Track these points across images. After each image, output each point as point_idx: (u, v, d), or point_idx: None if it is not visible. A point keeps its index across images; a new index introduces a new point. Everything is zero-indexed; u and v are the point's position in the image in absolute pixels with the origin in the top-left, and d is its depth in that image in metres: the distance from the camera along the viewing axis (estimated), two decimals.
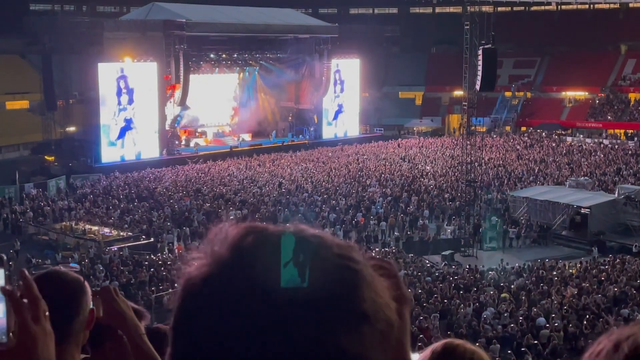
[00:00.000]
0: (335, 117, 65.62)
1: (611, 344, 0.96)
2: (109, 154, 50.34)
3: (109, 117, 50.54)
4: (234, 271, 0.94)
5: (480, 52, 38.63)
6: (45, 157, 52.13)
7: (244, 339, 0.90)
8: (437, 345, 1.87)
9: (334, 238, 1.01)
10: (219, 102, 63.30)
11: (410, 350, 1.18)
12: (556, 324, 20.02)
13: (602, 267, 27.23)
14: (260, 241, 0.97)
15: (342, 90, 65.64)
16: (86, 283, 2.16)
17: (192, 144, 57.56)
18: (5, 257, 1.40)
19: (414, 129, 72.46)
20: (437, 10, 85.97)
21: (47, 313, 1.45)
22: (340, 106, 65.75)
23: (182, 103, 55.16)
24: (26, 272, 1.41)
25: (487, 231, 33.79)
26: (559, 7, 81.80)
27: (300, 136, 63.60)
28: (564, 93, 72.58)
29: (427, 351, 1.81)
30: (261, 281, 0.92)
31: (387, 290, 1.02)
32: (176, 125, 56.56)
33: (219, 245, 0.98)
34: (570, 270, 27.15)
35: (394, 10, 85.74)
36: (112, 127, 50.60)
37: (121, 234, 32.98)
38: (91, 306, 2.13)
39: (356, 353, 0.92)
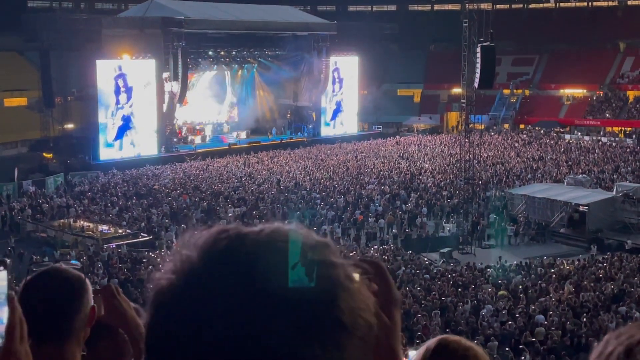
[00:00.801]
0: (334, 115, 65.60)
1: (622, 348, 0.93)
2: (107, 152, 50.33)
3: (107, 115, 50.51)
4: (202, 278, 0.90)
5: (478, 49, 38.64)
6: (44, 154, 52.10)
7: (217, 351, 0.86)
8: (431, 341, 1.87)
9: (308, 236, 0.96)
10: (215, 99, 63.37)
11: (401, 353, 1.18)
12: (554, 322, 20.05)
13: (599, 265, 27.27)
14: (232, 247, 0.92)
15: (340, 87, 65.64)
16: (87, 280, 2.17)
17: (189, 139, 57.55)
18: (8, 261, 1.43)
19: (414, 126, 72.46)
20: (436, 7, 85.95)
21: (26, 337, 1.52)
22: (338, 104, 65.76)
23: (181, 100, 55.18)
24: (13, 295, 1.46)
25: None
26: (557, 4, 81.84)
27: (299, 133, 63.62)
28: (562, 91, 72.61)
29: (422, 348, 1.82)
30: (233, 292, 0.88)
31: (365, 290, 0.98)
32: (175, 122, 56.58)
33: (188, 251, 0.94)
34: (568, 267, 27.17)
35: (393, 8, 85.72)
36: (110, 127, 50.55)
37: (119, 231, 32.98)
38: (92, 304, 2.14)
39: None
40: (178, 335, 0.89)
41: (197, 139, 58.30)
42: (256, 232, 0.94)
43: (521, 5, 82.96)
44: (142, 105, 51.61)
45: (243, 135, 60.95)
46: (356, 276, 1.03)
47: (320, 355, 0.88)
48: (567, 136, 64.05)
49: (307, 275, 0.90)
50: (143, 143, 51.91)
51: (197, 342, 0.87)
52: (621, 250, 31.02)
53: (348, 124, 66.59)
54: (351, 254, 29.61)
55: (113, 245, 30.40)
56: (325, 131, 64.70)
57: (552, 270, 26.47)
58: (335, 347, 0.90)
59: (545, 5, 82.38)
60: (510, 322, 20.02)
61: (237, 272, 0.89)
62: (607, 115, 67.67)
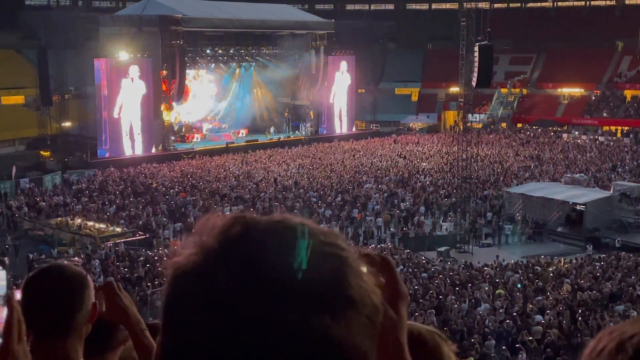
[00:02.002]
0: (332, 113, 65.55)
1: (614, 343, 0.95)
2: (104, 151, 50.39)
3: (104, 113, 50.47)
4: (222, 260, 0.94)
5: (476, 48, 38.66)
6: (41, 152, 52.05)
7: (233, 327, 0.90)
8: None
9: (318, 225, 1.01)
10: (212, 98, 63.43)
11: (406, 347, 1.19)
12: (551, 320, 20.08)
13: (596, 264, 27.31)
14: (247, 230, 0.96)
15: (338, 86, 65.58)
16: (89, 277, 2.18)
17: (187, 137, 57.58)
18: (6, 260, 1.44)
19: (412, 125, 72.47)
20: (434, 6, 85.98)
21: (25, 337, 1.52)
22: (336, 102, 65.69)
23: (179, 99, 55.16)
24: (12, 294, 1.47)
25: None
26: (555, 3, 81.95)
27: (297, 132, 63.63)
28: (560, 90, 72.67)
29: None
30: (249, 269, 0.92)
31: (372, 278, 1.02)
32: (172, 121, 56.55)
33: (207, 235, 0.97)
34: (565, 266, 27.21)
35: (390, 7, 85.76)
36: (108, 126, 50.50)
37: (117, 229, 32.96)
38: (93, 300, 2.15)
39: (342, 338, 0.92)
40: (195, 315, 0.92)
41: (196, 138, 58.23)
42: (268, 218, 0.99)
43: (519, 4, 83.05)
44: (138, 102, 51.50)
45: (241, 133, 60.92)
46: (363, 268, 1.05)
47: (330, 325, 0.91)
48: (565, 135, 64.10)
49: (318, 255, 0.95)
50: (139, 139, 51.85)
51: (214, 321, 0.91)
52: (615, 249, 31.16)
53: (345, 122, 66.53)
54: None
55: (110, 243, 30.38)
56: (324, 127, 64.67)
57: (550, 269, 26.50)
58: (345, 319, 0.93)
59: (543, 4, 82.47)
60: (507, 321, 20.05)
61: (253, 253, 0.94)
62: (605, 114, 67.75)
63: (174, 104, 55.51)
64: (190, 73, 58.40)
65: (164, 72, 52.81)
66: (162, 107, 53.71)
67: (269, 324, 0.90)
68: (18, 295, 2.10)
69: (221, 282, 0.92)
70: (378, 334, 0.99)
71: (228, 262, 0.94)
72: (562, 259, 29.07)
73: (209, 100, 63.84)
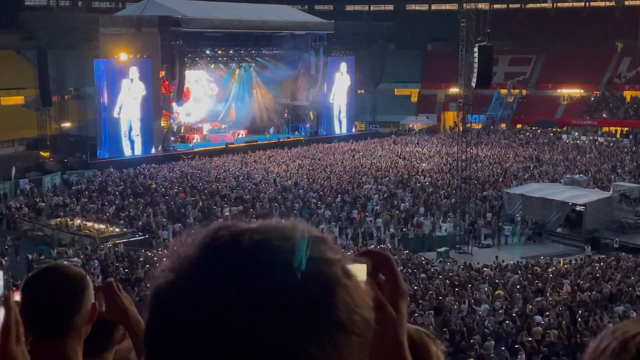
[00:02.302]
0: (331, 114, 65.56)
1: (617, 342, 0.94)
2: (104, 152, 50.38)
3: (103, 114, 50.48)
4: (200, 276, 0.90)
5: (476, 49, 38.65)
6: (41, 152, 52.04)
7: (214, 346, 0.86)
8: None
9: (305, 232, 0.95)
10: (212, 99, 63.44)
11: (406, 345, 1.19)
12: (551, 321, 20.07)
13: (596, 265, 27.31)
14: (227, 243, 0.92)
15: (337, 87, 65.58)
16: (88, 277, 2.18)
17: (187, 138, 57.58)
18: (5, 261, 1.44)
19: (411, 125, 72.50)
20: (433, 7, 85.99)
21: (23, 338, 1.51)
22: (335, 103, 65.69)
23: (178, 99, 55.14)
24: (10, 295, 1.46)
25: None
26: (554, 4, 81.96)
27: (296, 133, 63.63)
28: (559, 91, 72.70)
29: None
30: (228, 287, 0.88)
31: (363, 287, 0.98)
32: (171, 121, 56.53)
33: (186, 248, 0.94)
34: (565, 267, 27.21)
35: (390, 7, 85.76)
36: (107, 126, 50.50)
37: (116, 230, 32.95)
38: (93, 300, 2.15)
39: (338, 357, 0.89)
40: (176, 334, 0.89)
41: (195, 138, 58.21)
42: (253, 230, 0.94)
43: (518, 5, 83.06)
44: (138, 102, 51.50)
45: (241, 134, 60.90)
46: (361, 269, 1.04)
47: (317, 353, 0.88)
48: (564, 136, 64.11)
49: (303, 273, 0.90)
50: (139, 140, 51.85)
51: (195, 341, 0.87)
52: (614, 250, 31.17)
53: (345, 122, 66.53)
54: (349, 254, 29.61)
55: (109, 244, 30.37)
56: (323, 128, 64.70)
57: (549, 270, 26.50)
58: (332, 345, 0.89)
59: (543, 5, 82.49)
60: (507, 322, 20.04)
61: (234, 270, 0.89)
62: (604, 115, 67.78)
63: (173, 104, 55.44)
64: (191, 75, 58.34)
65: (163, 73, 52.76)
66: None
67: (251, 353, 0.86)
68: (16, 296, 2.10)
69: (200, 305, 0.88)
70: (373, 339, 0.97)
71: (208, 280, 0.89)
72: (562, 260, 29.07)
73: (209, 101, 63.79)
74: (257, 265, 0.89)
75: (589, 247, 31.87)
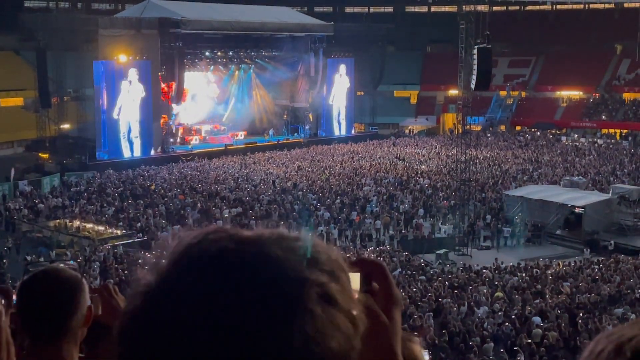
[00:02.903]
0: (330, 116, 65.59)
1: (612, 346, 0.93)
2: (103, 154, 50.38)
3: (103, 115, 50.49)
4: (170, 286, 0.90)
5: (475, 51, 38.67)
6: (40, 154, 52.02)
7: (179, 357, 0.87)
8: None
9: (284, 247, 0.93)
10: (211, 100, 63.46)
11: (400, 352, 1.18)
12: (550, 323, 20.07)
13: (595, 267, 27.31)
14: (201, 254, 0.92)
15: (337, 88, 65.61)
16: (84, 280, 2.17)
17: (186, 139, 57.59)
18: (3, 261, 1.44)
19: (411, 127, 72.54)
20: (433, 9, 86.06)
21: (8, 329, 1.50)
22: (335, 105, 65.72)
23: (177, 101, 55.14)
24: (1, 313, 1.44)
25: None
26: (554, 6, 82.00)
27: (296, 134, 63.66)
28: (558, 93, 72.76)
29: None
30: (194, 301, 0.87)
31: (342, 319, 0.93)
32: (170, 123, 56.51)
33: (163, 256, 0.94)
34: (564, 269, 27.21)
35: (390, 9, 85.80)
36: (106, 128, 50.51)
37: (115, 231, 32.93)
38: (89, 303, 2.14)
39: None
40: (144, 339, 0.89)
41: (194, 140, 58.22)
42: (230, 243, 0.92)
43: (518, 7, 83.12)
44: (137, 104, 51.52)
45: (240, 135, 60.91)
46: (354, 277, 1.04)
47: None
48: (563, 138, 64.16)
49: (269, 290, 0.88)
50: (138, 142, 51.85)
51: (161, 346, 0.87)
52: (610, 252, 31.19)
53: (344, 124, 66.55)
54: (348, 256, 29.61)
55: (108, 245, 30.36)
56: (323, 129, 64.72)
57: (548, 272, 26.50)
58: None
59: (542, 7, 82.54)
60: (506, 324, 20.03)
61: (204, 282, 0.89)
62: (603, 117, 67.84)
63: (173, 105, 55.42)
64: (191, 76, 58.31)
65: (163, 74, 52.74)
66: (161, 109, 53.73)
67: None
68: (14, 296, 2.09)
69: (169, 310, 0.88)
70: (367, 347, 0.96)
71: (176, 289, 0.89)
72: (561, 262, 29.07)
73: (208, 102, 63.77)
74: (223, 284, 0.88)
75: (588, 250, 31.88)
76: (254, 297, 0.87)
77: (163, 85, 52.77)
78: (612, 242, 32.33)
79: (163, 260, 0.94)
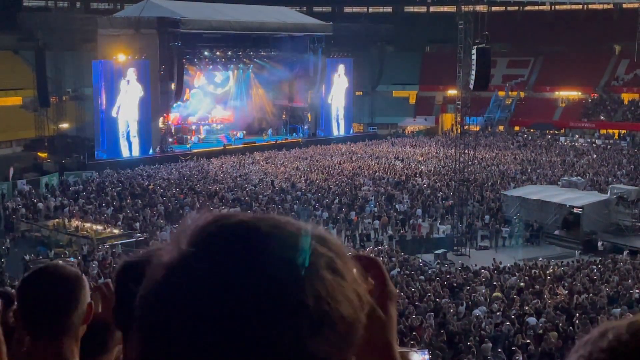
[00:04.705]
0: (329, 116, 65.60)
1: (598, 332, 0.98)
2: (102, 153, 50.37)
3: (101, 115, 50.48)
4: (193, 262, 0.95)
5: (474, 51, 38.69)
6: (38, 153, 51.99)
7: (200, 330, 0.91)
8: None
9: (292, 225, 1.00)
10: (210, 100, 63.45)
11: (396, 348, 1.20)
12: (548, 324, 20.07)
13: (593, 267, 27.31)
14: (222, 232, 0.97)
15: (335, 88, 65.62)
16: (84, 277, 2.18)
17: (185, 139, 57.60)
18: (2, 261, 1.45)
19: (409, 128, 72.54)
20: (432, 9, 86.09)
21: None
22: (334, 105, 65.72)
23: (177, 100, 55.13)
24: None
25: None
26: (552, 7, 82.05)
27: (294, 134, 63.66)
28: (557, 93, 72.79)
29: None
30: (218, 275, 0.93)
31: (352, 290, 1.00)
32: (169, 123, 56.52)
33: (185, 234, 0.99)
34: (562, 269, 27.22)
35: (388, 9, 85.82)
36: (105, 127, 50.49)
37: (114, 231, 32.92)
38: (89, 300, 2.15)
39: (297, 344, 0.91)
40: (167, 313, 0.93)
41: (193, 139, 58.22)
42: (246, 219, 0.99)
43: (516, 8, 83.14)
44: (135, 104, 51.51)
45: (239, 135, 60.90)
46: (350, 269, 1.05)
47: (285, 341, 0.91)
48: (562, 138, 64.19)
49: (280, 260, 0.94)
50: (137, 141, 51.85)
51: (183, 320, 0.92)
52: (601, 252, 31.24)
53: (343, 124, 66.58)
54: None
55: (107, 245, 30.35)
56: (321, 129, 64.73)
57: (547, 272, 26.51)
58: (299, 333, 0.92)
59: (541, 7, 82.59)
60: (504, 324, 20.04)
61: (219, 260, 0.94)
62: (602, 117, 67.88)
63: (172, 104, 55.43)
64: (190, 76, 58.33)
65: (162, 74, 52.74)
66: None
67: (232, 331, 0.91)
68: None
69: (191, 286, 0.93)
70: (363, 341, 0.98)
71: (199, 265, 0.94)
72: (559, 262, 29.08)
73: (207, 102, 63.73)
74: (239, 256, 0.94)
75: (579, 251, 31.82)
76: (269, 263, 0.93)
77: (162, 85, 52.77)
78: (603, 242, 32.30)
79: (183, 237, 0.98)
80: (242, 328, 0.91)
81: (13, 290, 2.13)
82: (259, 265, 0.93)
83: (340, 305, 0.96)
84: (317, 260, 0.97)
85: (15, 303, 2.12)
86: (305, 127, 64.31)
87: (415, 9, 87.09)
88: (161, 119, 54.01)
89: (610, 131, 66.13)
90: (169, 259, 0.97)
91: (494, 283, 24.82)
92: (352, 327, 0.97)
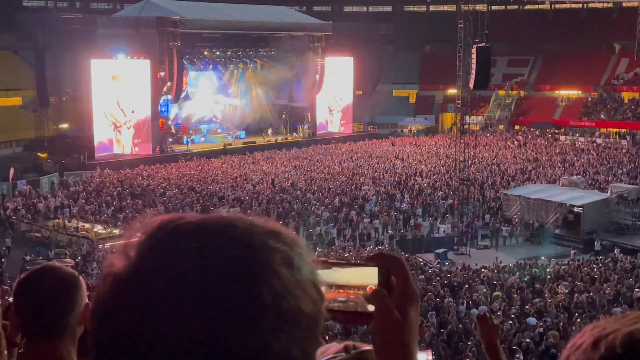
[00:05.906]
0: (328, 116, 65.59)
1: (591, 340, 0.95)
2: (101, 153, 50.34)
3: (101, 115, 50.48)
4: (142, 271, 0.93)
5: (474, 50, 38.67)
6: (38, 154, 51.97)
7: (155, 341, 0.89)
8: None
9: (246, 222, 0.97)
10: (210, 100, 63.47)
11: (416, 351, 1.16)
12: (549, 323, 20.06)
13: (594, 266, 27.29)
14: (172, 237, 0.95)
15: (335, 88, 65.59)
16: (81, 278, 2.16)
17: (184, 139, 57.56)
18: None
19: (409, 127, 72.50)
20: (431, 8, 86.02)
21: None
22: (333, 104, 65.71)
23: (176, 100, 55.11)
24: None
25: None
26: (552, 6, 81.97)
27: (294, 133, 63.65)
28: (557, 92, 72.72)
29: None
30: (169, 282, 0.90)
31: (310, 284, 0.98)
32: (169, 122, 56.50)
33: (133, 242, 0.97)
34: (563, 268, 27.21)
35: (388, 8, 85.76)
36: (105, 127, 50.49)
37: (114, 231, 32.91)
38: (86, 301, 2.13)
39: (260, 344, 0.90)
40: (116, 319, 0.92)
41: (193, 139, 58.17)
42: (196, 220, 0.97)
43: (516, 7, 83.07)
44: (135, 104, 51.50)
45: (239, 135, 60.90)
46: (372, 272, 1.06)
47: (247, 342, 0.90)
48: (562, 137, 64.15)
49: (234, 257, 0.92)
50: (136, 141, 51.85)
51: (131, 326, 0.90)
52: (597, 251, 31.21)
53: (343, 124, 66.57)
54: (347, 255, 29.64)
55: (107, 245, 30.33)
56: (321, 129, 64.73)
57: (547, 271, 26.49)
58: (261, 332, 0.91)
59: (541, 6, 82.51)
60: (509, 322, 20.01)
61: (169, 267, 0.92)
62: (602, 116, 67.81)
63: (170, 106, 55.42)
64: (190, 75, 58.30)
65: (161, 74, 52.71)
66: (159, 108, 53.74)
67: (182, 337, 0.89)
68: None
69: (137, 290, 0.91)
70: (380, 343, 0.99)
71: (146, 275, 0.92)
72: (560, 261, 29.05)
73: (207, 102, 63.72)
74: (190, 249, 0.92)
75: (574, 251, 31.74)
76: (223, 263, 0.91)
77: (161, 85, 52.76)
78: (600, 242, 32.27)
79: (131, 245, 0.96)
80: (200, 335, 0.88)
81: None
82: (212, 268, 0.91)
83: (299, 301, 0.94)
84: (272, 256, 0.95)
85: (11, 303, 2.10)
86: (305, 127, 64.28)
87: (415, 8, 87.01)
88: (160, 120, 53.94)
89: (611, 130, 66.08)
90: (118, 269, 0.95)
91: (495, 282, 24.82)
92: (314, 321, 0.96)
